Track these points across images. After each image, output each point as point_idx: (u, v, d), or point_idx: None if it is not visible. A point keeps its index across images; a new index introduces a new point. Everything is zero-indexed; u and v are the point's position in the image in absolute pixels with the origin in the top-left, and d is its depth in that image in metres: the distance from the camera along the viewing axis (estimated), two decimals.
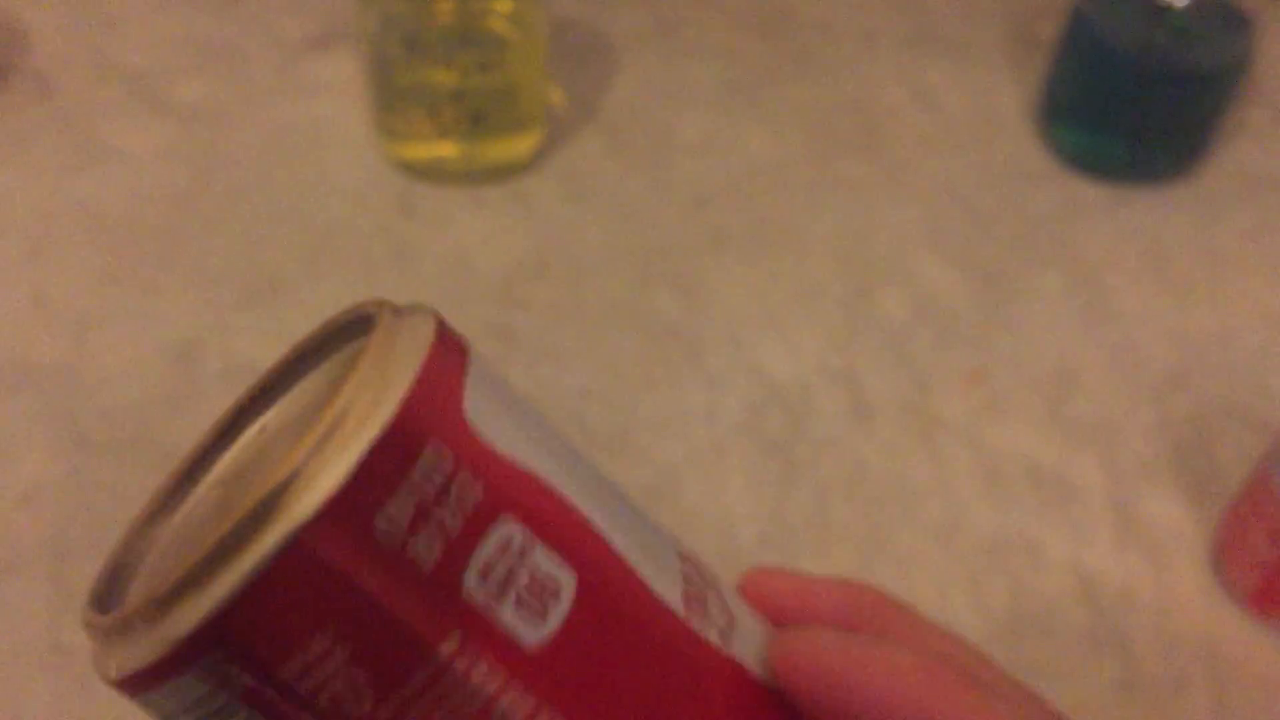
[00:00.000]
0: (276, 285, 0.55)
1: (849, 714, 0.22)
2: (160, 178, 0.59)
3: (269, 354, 0.55)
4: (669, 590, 0.21)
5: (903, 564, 0.47)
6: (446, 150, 0.59)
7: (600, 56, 0.67)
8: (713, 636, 0.22)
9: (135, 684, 0.19)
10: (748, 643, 0.23)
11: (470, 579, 0.18)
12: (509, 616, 0.19)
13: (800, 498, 0.49)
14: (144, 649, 0.18)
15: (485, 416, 0.19)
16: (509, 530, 0.19)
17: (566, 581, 0.19)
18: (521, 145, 0.61)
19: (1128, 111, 0.60)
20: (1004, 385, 0.53)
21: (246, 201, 0.59)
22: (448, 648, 0.18)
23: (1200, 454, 0.51)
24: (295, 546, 0.17)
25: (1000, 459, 0.51)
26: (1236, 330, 0.56)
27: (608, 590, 0.20)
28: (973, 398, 0.53)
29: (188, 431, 0.49)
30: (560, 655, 0.19)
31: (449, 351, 0.20)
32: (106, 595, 0.21)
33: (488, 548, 0.19)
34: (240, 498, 0.18)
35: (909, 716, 0.22)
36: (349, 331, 0.22)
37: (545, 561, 0.19)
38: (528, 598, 0.19)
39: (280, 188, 0.59)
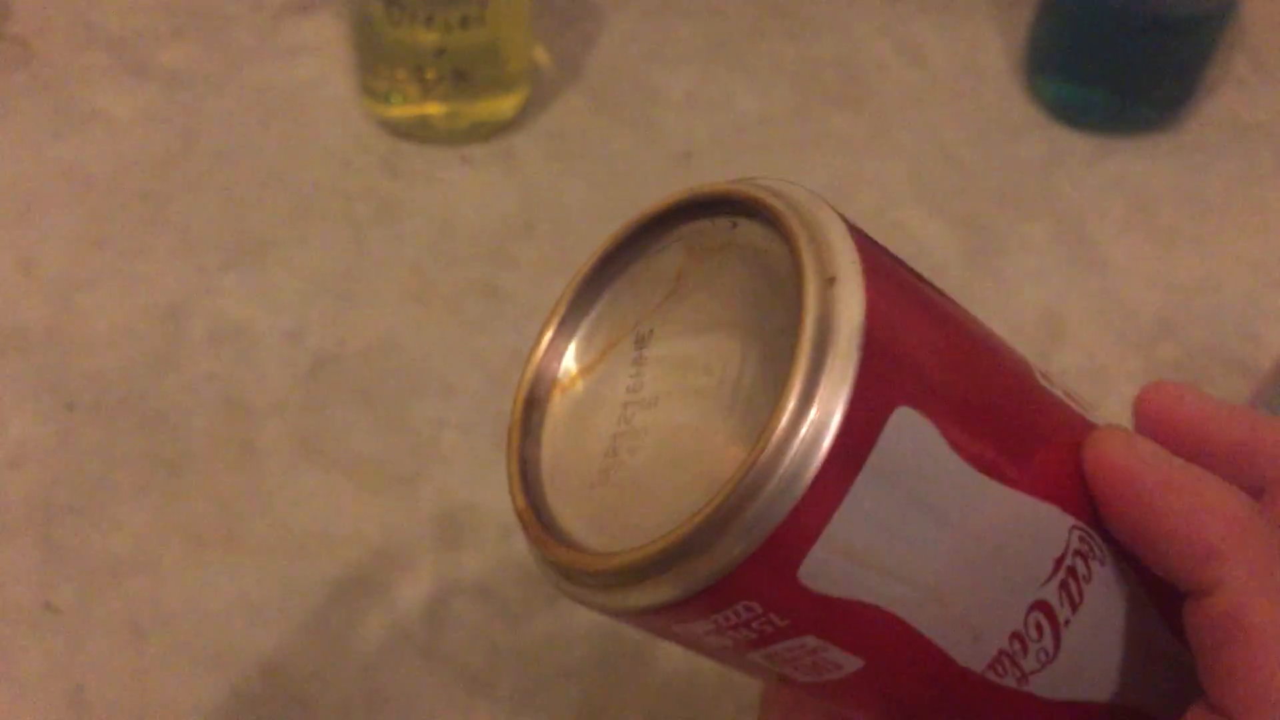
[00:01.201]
0: (262, 247, 0.55)
1: (1142, 537, 0.22)
2: (144, 142, 0.59)
3: (255, 314, 0.55)
4: (975, 658, 0.22)
5: None
6: (431, 109, 0.59)
7: (584, 14, 0.66)
8: (1008, 681, 0.23)
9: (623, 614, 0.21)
10: (1061, 674, 0.23)
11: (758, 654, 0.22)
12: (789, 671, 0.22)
13: None
14: (639, 594, 0.20)
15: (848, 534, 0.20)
16: (805, 641, 0.21)
17: (851, 664, 0.22)
18: (506, 103, 0.60)
19: (1112, 61, 0.60)
20: None
21: (231, 164, 0.59)
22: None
23: None
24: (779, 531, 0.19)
25: None
26: (1222, 277, 0.56)
27: (895, 665, 0.22)
28: None
29: (175, 392, 0.50)
30: (829, 690, 0.22)
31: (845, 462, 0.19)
32: (530, 482, 0.23)
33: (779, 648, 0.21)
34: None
35: (1195, 558, 0.22)
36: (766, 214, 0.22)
37: (834, 654, 0.21)
38: (806, 668, 0.22)
39: (264, 150, 0.59)
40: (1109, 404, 0.51)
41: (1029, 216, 0.58)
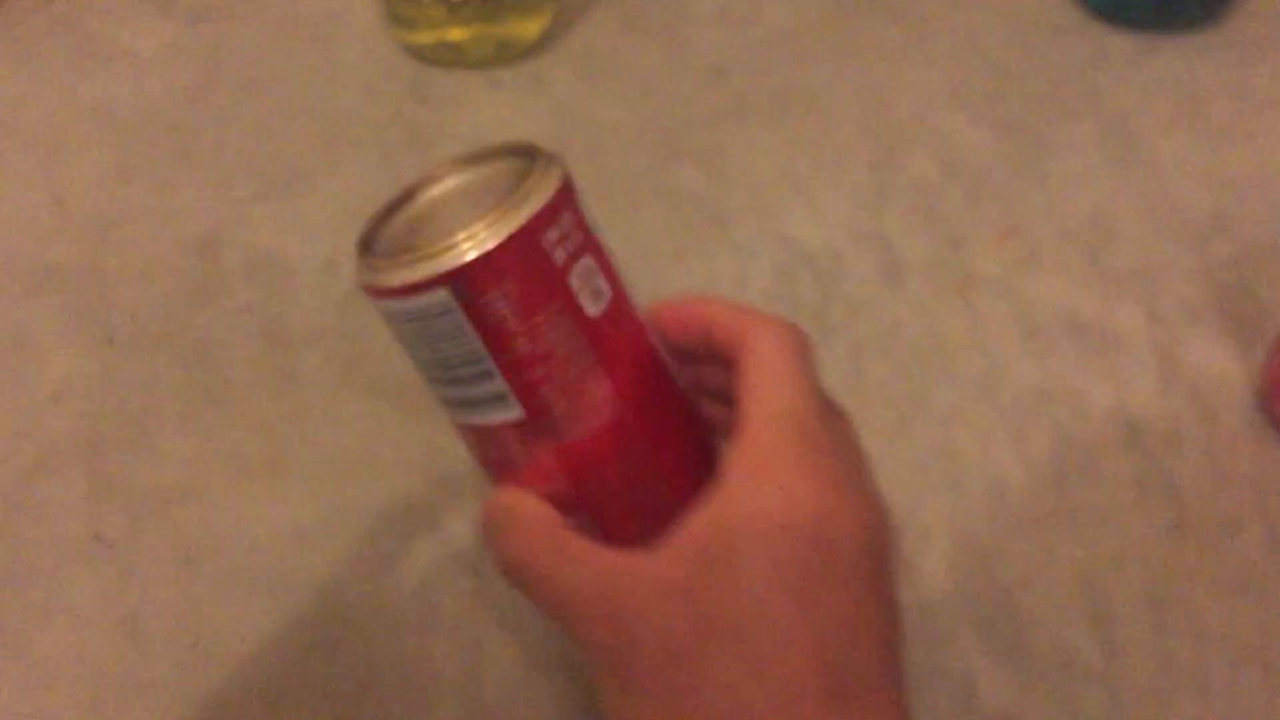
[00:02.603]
0: (293, 176, 0.55)
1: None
2: (170, 76, 0.58)
3: (289, 244, 0.55)
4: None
5: (943, 420, 0.47)
6: (457, 34, 0.58)
7: None
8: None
9: (386, 294, 0.32)
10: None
11: (571, 275, 0.32)
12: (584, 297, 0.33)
13: (834, 358, 0.48)
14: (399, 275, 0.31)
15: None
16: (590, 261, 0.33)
17: (607, 290, 0.33)
18: (532, 25, 0.59)
19: None
20: (1039, 239, 0.52)
21: (259, 95, 0.58)
22: (557, 304, 0.32)
23: (1243, 296, 0.50)
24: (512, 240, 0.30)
25: (1039, 311, 0.50)
26: (1274, 171, 0.55)
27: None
28: (1008, 253, 0.52)
29: (213, 324, 0.49)
30: (598, 322, 0.33)
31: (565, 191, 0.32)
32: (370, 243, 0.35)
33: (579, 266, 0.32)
34: (473, 209, 0.31)
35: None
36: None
37: (601, 280, 0.33)
38: (592, 291, 0.33)
39: (292, 80, 0.58)
40: (1165, 303, 0.50)
41: (1074, 118, 0.57)
